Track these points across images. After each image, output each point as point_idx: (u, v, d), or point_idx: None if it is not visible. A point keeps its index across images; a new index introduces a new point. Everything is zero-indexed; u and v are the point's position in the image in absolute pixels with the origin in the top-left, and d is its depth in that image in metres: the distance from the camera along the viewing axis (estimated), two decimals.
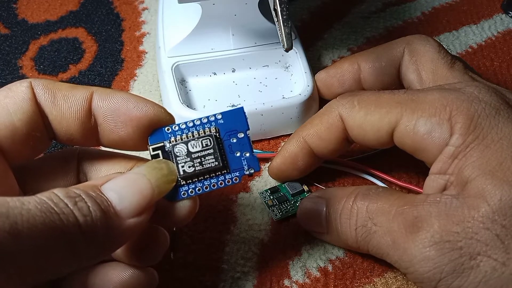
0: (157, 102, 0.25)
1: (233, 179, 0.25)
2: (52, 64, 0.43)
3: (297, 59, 0.39)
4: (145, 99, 0.25)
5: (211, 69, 0.39)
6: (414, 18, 0.48)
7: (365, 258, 0.31)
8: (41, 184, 0.26)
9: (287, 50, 0.31)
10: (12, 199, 0.18)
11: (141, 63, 0.43)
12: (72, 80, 0.42)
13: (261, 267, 0.31)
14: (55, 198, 0.19)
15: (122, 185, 0.21)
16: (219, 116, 0.25)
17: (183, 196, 0.24)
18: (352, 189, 0.29)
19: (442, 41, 0.45)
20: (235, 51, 0.39)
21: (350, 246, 0.29)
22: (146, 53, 0.44)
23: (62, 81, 0.42)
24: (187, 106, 0.36)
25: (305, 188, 0.34)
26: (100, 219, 0.20)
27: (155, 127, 0.25)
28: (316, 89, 0.37)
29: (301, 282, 0.30)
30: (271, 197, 0.34)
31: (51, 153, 0.28)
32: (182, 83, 0.38)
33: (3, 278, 0.17)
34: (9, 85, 0.24)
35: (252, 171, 0.25)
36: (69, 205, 0.19)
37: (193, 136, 0.24)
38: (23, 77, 0.42)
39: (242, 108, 0.25)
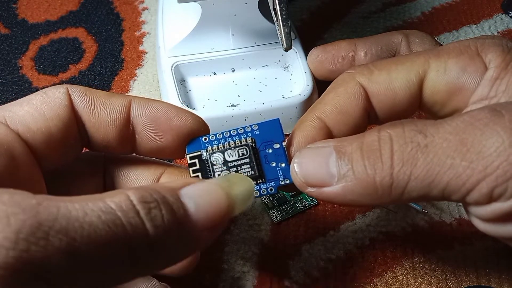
0: None
1: (269, 189, 0.25)
2: (52, 64, 0.43)
3: (297, 59, 0.39)
4: (183, 109, 0.25)
5: (211, 69, 0.39)
6: (414, 18, 0.48)
7: (365, 258, 0.31)
8: (68, 187, 0.25)
9: (286, 50, 0.31)
10: (75, 207, 0.16)
11: (141, 63, 0.43)
12: (72, 80, 0.42)
13: (261, 267, 0.31)
14: (126, 204, 0.17)
15: (199, 193, 0.20)
16: (255, 127, 0.25)
17: None
18: (371, 130, 0.23)
19: (442, 41, 0.45)
20: (235, 51, 0.39)
21: (376, 187, 0.22)
22: (146, 53, 0.44)
23: (62, 81, 0.42)
24: (187, 106, 0.36)
25: None
26: (172, 230, 0.18)
27: (193, 136, 0.25)
28: (316, 88, 0.37)
29: (301, 282, 0.30)
30: (271, 198, 0.34)
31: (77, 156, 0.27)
32: (182, 83, 0.38)
33: None
34: (44, 89, 0.24)
35: (288, 181, 0.25)
36: (141, 213, 0.17)
37: (230, 145, 0.25)
38: (23, 77, 0.42)
39: (278, 119, 0.25)
